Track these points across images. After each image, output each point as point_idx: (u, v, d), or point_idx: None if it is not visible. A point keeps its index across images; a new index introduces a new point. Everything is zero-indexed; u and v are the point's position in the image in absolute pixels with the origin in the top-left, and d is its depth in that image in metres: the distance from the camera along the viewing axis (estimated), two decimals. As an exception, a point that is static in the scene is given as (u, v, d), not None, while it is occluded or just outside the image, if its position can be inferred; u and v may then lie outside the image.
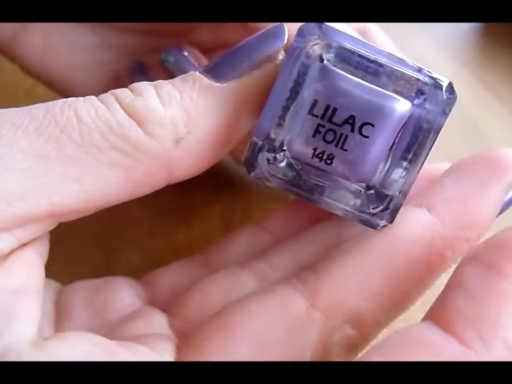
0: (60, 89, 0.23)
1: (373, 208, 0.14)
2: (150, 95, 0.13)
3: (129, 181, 0.13)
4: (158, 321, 0.16)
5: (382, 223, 0.14)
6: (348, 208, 0.14)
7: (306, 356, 0.13)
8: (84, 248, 0.22)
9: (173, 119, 0.13)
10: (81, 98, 0.13)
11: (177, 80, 0.14)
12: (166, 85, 0.14)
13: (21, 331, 0.12)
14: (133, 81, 0.14)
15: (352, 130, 0.13)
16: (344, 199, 0.14)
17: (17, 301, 0.12)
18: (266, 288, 0.15)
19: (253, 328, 0.14)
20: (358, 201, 0.14)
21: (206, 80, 0.14)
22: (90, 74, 0.23)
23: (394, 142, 0.14)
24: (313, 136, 0.14)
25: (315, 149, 0.14)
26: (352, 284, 0.14)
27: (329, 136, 0.14)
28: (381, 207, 0.14)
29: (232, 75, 0.14)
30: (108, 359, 0.12)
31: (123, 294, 0.17)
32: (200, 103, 0.14)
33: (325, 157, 0.14)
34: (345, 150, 0.14)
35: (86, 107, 0.13)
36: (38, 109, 0.13)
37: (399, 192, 0.14)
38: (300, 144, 0.14)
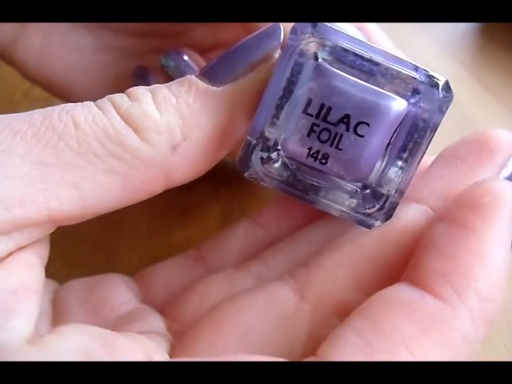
0: (59, 92, 0.23)
1: (368, 208, 0.14)
2: (146, 101, 0.13)
3: (127, 187, 0.13)
4: (155, 324, 0.16)
5: (377, 223, 0.14)
6: (343, 208, 0.14)
7: (296, 350, 0.13)
8: (82, 249, 0.22)
9: (169, 126, 0.13)
10: (79, 104, 0.13)
11: (173, 84, 0.14)
12: (162, 90, 0.14)
13: (17, 329, 0.12)
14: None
15: (347, 130, 0.13)
16: (339, 199, 0.14)
17: (15, 300, 0.12)
18: (258, 285, 0.15)
19: (241, 323, 0.14)
20: (354, 201, 0.14)
21: (202, 84, 0.14)
22: (89, 77, 0.23)
23: (390, 141, 0.14)
24: (308, 135, 0.14)
25: (310, 148, 0.14)
26: (341, 275, 0.14)
27: (324, 136, 0.13)
28: (377, 207, 0.14)
29: (229, 78, 0.14)
30: (105, 349, 0.12)
31: (118, 291, 0.17)
32: (196, 107, 0.14)
33: (319, 157, 0.14)
34: (340, 150, 0.13)
35: (83, 113, 0.13)
36: (37, 115, 0.13)
37: (395, 191, 0.14)
38: (294, 144, 0.14)
